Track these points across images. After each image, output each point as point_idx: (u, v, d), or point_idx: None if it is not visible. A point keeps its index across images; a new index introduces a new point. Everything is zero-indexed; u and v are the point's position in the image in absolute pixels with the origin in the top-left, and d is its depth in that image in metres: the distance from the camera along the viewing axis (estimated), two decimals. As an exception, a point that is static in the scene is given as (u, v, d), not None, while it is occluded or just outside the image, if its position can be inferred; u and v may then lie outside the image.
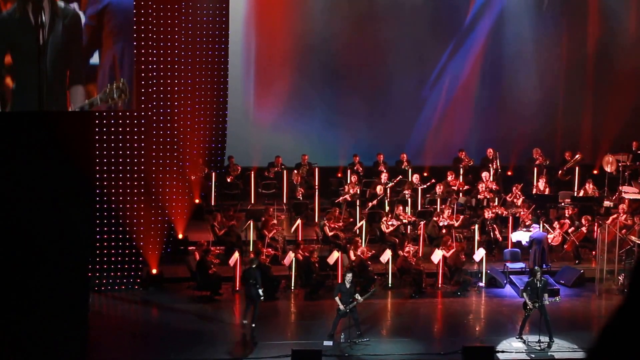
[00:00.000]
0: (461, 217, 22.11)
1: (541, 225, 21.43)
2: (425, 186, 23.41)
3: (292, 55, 25.43)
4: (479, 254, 20.51)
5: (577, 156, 24.89)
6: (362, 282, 19.28)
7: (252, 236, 21.16)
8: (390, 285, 20.31)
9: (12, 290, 17.42)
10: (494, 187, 23.54)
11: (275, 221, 21.60)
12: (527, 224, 21.61)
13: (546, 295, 17.38)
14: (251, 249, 20.67)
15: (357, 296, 17.35)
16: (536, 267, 18.35)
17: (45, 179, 17.38)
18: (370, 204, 22.64)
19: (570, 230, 21.72)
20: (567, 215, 22.17)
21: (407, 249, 20.32)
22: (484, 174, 23.77)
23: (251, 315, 17.65)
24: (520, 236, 21.30)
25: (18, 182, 17.14)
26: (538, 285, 17.38)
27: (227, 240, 21.29)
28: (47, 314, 17.33)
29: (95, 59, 18.70)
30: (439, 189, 23.22)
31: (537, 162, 24.92)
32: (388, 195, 23.11)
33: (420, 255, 20.94)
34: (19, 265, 17.32)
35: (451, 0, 26.27)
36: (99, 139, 19.33)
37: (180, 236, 21.27)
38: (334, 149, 25.42)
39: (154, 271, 20.18)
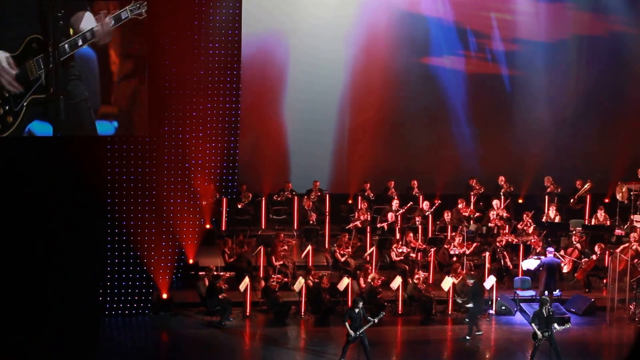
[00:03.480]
0: (472, 244, 22.13)
1: (555, 253, 21.36)
2: (432, 209, 23.51)
3: (303, 80, 25.53)
4: (490, 281, 20.50)
5: (587, 185, 24.90)
6: (372, 309, 19.27)
7: (262, 262, 21.21)
8: (400, 312, 20.30)
9: (24, 314, 17.52)
10: (504, 215, 23.54)
11: (285, 247, 21.62)
12: (538, 251, 21.57)
13: (555, 324, 17.31)
14: (261, 275, 20.75)
15: (369, 317, 17.36)
16: (544, 297, 18.29)
17: (57, 203, 17.53)
18: (380, 225, 22.71)
19: (583, 261, 21.68)
20: (574, 241, 22.13)
21: (417, 275, 20.34)
22: (495, 202, 23.81)
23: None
24: (531, 264, 21.27)
25: (30, 206, 17.30)
26: (546, 314, 17.32)
27: (238, 266, 21.36)
28: (58, 338, 17.42)
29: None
30: (447, 216, 23.27)
31: (549, 190, 24.94)
32: (398, 222, 23.17)
33: (430, 282, 20.95)
34: (30, 289, 17.43)
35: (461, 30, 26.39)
36: (111, 164, 19.49)
37: (190, 261, 21.35)
38: (345, 175, 25.54)
39: (164, 296, 20.24)
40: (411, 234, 22.07)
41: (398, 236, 22.40)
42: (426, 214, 23.57)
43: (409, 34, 25.83)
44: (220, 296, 19.68)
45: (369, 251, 21.86)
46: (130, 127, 19.18)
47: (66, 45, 17.78)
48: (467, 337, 19.00)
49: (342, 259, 21.52)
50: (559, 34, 26.47)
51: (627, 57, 26.59)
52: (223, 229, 23.46)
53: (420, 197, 24.53)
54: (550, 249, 21.10)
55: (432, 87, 26.21)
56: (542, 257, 20.98)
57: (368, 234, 22.59)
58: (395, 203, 23.61)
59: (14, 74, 17.58)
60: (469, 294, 19.59)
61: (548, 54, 26.48)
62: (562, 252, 21.88)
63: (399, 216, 23.33)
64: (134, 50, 18.72)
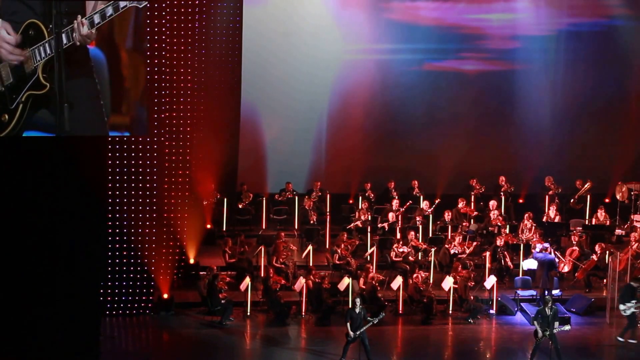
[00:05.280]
0: (472, 244, 22.14)
1: (552, 251, 21.38)
2: (432, 209, 23.54)
3: (303, 82, 25.54)
4: (490, 281, 20.51)
5: (587, 184, 24.93)
6: (373, 309, 19.29)
7: (262, 262, 21.22)
8: (400, 311, 20.31)
9: (24, 314, 17.50)
10: (500, 219, 23.49)
11: (287, 251, 21.60)
12: (536, 247, 21.57)
13: (557, 323, 17.36)
14: (262, 275, 20.77)
15: (369, 318, 17.40)
16: (547, 297, 18.33)
17: (58, 203, 17.49)
18: (380, 225, 22.77)
19: (583, 262, 21.70)
20: (574, 241, 22.13)
21: (416, 275, 20.35)
22: (492, 202, 23.78)
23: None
24: (531, 264, 21.29)
25: (31, 206, 17.25)
26: (549, 313, 17.38)
27: (238, 266, 21.39)
28: (59, 339, 17.40)
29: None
30: (447, 216, 23.28)
31: (551, 192, 24.94)
32: (399, 222, 23.18)
33: (430, 282, 20.96)
34: (31, 289, 17.41)
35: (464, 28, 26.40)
36: (112, 163, 19.50)
37: (191, 261, 21.37)
38: (346, 175, 25.56)
39: (165, 296, 20.25)
40: (413, 233, 22.08)
41: (399, 236, 22.42)
42: (426, 213, 23.61)
43: (409, 36, 25.88)
44: (220, 296, 19.68)
45: (369, 251, 21.88)
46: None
47: (63, 35, 15.90)
48: (620, 339, 18.98)
49: (339, 262, 21.48)
50: (558, 25, 26.42)
51: (626, 44, 26.51)
52: (224, 228, 23.50)
53: (421, 197, 24.55)
54: (546, 245, 21.12)
55: (433, 88, 26.22)
56: (535, 253, 21.03)
57: (369, 234, 22.61)
58: (395, 203, 23.64)
59: (15, 40, 15.70)
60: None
61: (547, 49, 26.47)
62: (555, 250, 21.85)
63: (400, 216, 23.35)
64: (142, 49, 17.40)
